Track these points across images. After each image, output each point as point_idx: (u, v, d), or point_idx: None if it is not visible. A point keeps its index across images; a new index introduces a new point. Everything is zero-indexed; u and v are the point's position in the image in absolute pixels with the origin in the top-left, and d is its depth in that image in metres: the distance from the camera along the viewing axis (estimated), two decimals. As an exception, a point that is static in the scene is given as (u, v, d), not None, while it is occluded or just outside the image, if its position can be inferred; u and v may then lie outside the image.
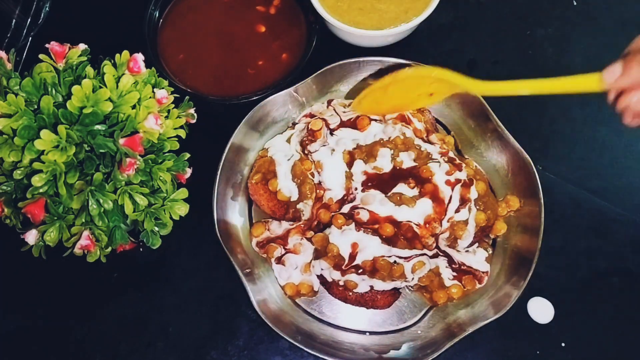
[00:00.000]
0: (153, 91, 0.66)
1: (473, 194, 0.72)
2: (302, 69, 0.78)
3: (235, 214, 0.76)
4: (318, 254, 0.71)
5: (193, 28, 0.83)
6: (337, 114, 0.79)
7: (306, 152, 0.75)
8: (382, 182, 0.72)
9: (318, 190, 0.73)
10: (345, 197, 0.73)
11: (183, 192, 0.67)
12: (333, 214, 0.72)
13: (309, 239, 0.73)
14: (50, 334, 0.73)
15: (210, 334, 0.73)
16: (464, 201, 0.71)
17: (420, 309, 0.73)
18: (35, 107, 0.61)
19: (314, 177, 0.74)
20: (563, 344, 0.72)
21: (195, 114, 0.73)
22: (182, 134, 0.69)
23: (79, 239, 0.62)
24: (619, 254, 0.76)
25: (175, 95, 0.69)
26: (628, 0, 0.90)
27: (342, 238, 0.70)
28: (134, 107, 0.63)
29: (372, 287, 0.70)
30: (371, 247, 0.69)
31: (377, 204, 0.71)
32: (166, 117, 0.67)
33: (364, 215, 0.71)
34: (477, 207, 0.72)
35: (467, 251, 0.73)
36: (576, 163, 0.81)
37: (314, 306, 0.74)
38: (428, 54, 0.87)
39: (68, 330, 0.73)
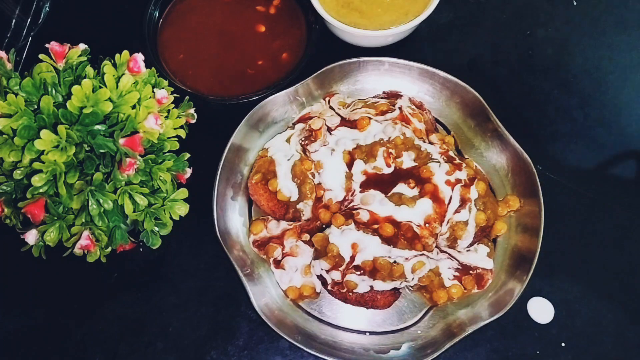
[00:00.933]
0: (153, 91, 0.66)
1: (473, 194, 0.72)
2: (302, 69, 0.78)
3: (235, 214, 0.76)
4: (318, 254, 0.71)
5: (193, 28, 0.83)
6: (337, 113, 0.79)
7: (307, 152, 0.75)
8: (382, 182, 0.72)
9: (318, 191, 0.73)
10: (345, 197, 0.73)
11: (183, 192, 0.67)
12: (333, 213, 0.72)
13: (306, 242, 0.73)
14: (50, 334, 0.73)
15: (210, 334, 0.73)
16: (464, 201, 0.71)
17: (420, 309, 0.73)
18: (35, 107, 0.61)
19: (314, 178, 0.74)
20: (563, 344, 0.72)
21: (195, 114, 0.73)
22: (182, 134, 0.69)
23: (79, 239, 0.62)
24: (619, 254, 0.76)
25: (175, 95, 0.69)
26: (628, 0, 0.90)
27: (342, 238, 0.70)
28: (134, 107, 0.63)
29: (372, 287, 0.70)
30: (371, 247, 0.69)
31: (377, 204, 0.71)
32: (166, 117, 0.67)
33: (364, 216, 0.71)
34: (477, 207, 0.72)
35: (468, 250, 0.73)
36: (576, 163, 0.81)
37: (314, 306, 0.74)
38: (428, 54, 0.87)
39: (68, 330, 0.73)
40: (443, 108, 0.80)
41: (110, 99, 0.61)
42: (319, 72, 0.77)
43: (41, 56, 0.63)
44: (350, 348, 0.70)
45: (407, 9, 0.79)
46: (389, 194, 0.72)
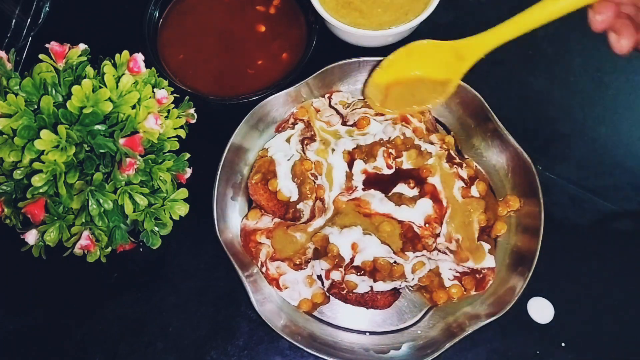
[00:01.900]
0: (153, 91, 0.66)
1: (473, 194, 0.72)
2: (302, 69, 0.78)
3: (235, 214, 0.76)
4: (318, 254, 0.71)
5: (193, 28, 0.83)
6: (337, 112, 0.79)
7: (306, 153, 0.75)
8: (382, 182, 0.72)
9: (318, 191, 0.73)
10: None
11: (183, 192, 0.67)
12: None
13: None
14: (50, 334, 0.73)
15: (210, 334, 0.73)
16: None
17: (420, 309, 0.73)
18: (35, 107, 0.61)
19: (316, 179, 0.74)
20: (563, 344, 0.72)
21: (195, 114, 0.73)
22: (182, 134, 0.69)
23: (79, 239, 0.62)
24: (619, 254, 0.76)
25: (175, 95, 0.69)
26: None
27: (342, 238, 0.70)
28: (134, 107, 0.63)
29: (372, 287, 0.70)
30: (371, 248, 0.69)
31: (377, 203, 0.71)
32: (166, 117, 0.67)
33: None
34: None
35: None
36: (576, 163, 0.81)
37: (314, 306, 0.74)
38: (428, 54, 0.87)
39: (68, 330, 0.73)
40: (443, 108, 0.80)
41: (110, 99, 0.61)
42: (319, 72, 0.77)
43: (41, 56, 0.63)
44: (350, 348, 0.70)
45: (407, 8, 0.79)
46: (389, 194, 0.72)
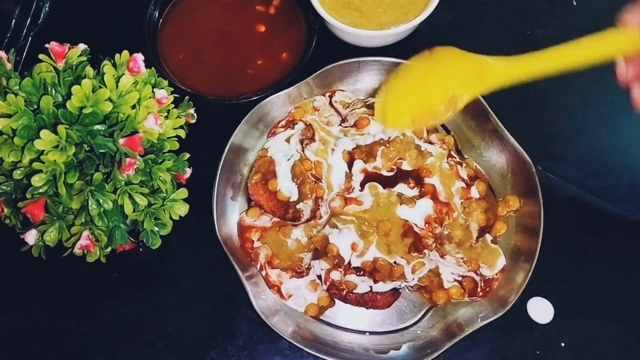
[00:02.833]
0: (153, 91, 0.66)
1: (473, 194, 0.72)
2: (302, 69, 0.78)
3: (235, 214, 0.76)
4: (318, 254, 0.71)
5: (193, 28, 0.83)
6: (337, 112, 0.79)
7: (305, 153, 0.75)
8: (382, 182, 0.72)
9: (318, 191, 0.73)
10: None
11: (183, 192, 0.67)
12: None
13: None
14: (50, 334, 0.73)
15: (210, 334, 0.73)
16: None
17: (420, 309, 0.73)
18: (35, 107, 0.61)
19: (320, 181, 0.74)
20: (563, 344, 0.72)
21: (195, 114, 0.73)
22: (182, 134, 0.69)
23: (78, 239, 0.62)
24: (619, 254, 0.76)
25: (175, 95, 0.69)
26: (628, 1, 0.90)
27: (342, 238, 0.70)
28: (133, 107, 0.63)
29: (371, 287, 0.70)
30: (371, 248, 0.69)
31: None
32: (166, 117, 0.67)
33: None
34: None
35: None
36: (576, 163, 0.80)
37: (314, 306, 0.74)
38: (428, 54, 0.87)
39: (68, 330, 0.73)
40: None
41: (110, 99, 0.61)
42: (319, 72, 0.77)
43: (41, 56, 0.63)
44: (350, 348, 0.70)
45: (407, 8, 0.79)
46: (389, 194, 0.72)
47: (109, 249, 0.66)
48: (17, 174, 0.60)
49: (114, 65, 0.65)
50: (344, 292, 0.71)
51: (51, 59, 0.63)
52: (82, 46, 0.66)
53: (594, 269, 0.75)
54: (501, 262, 0.72)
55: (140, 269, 0.76)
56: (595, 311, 0.73)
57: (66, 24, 0.89)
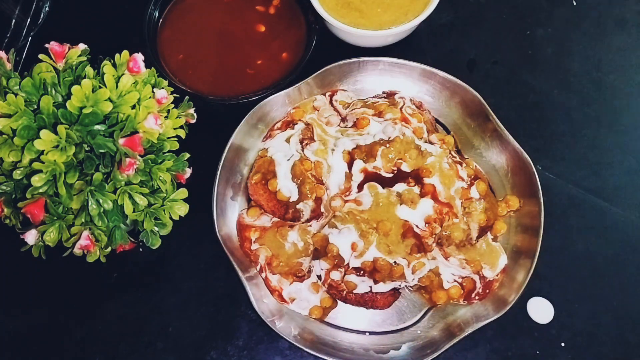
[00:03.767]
0: (153, 91, 0.66)
1: (473, 194, 0.72)
2: (302, 69, 0.78)
3: (235, 214, 0.76)
4: (318, 254, 0.71)
5: (193, 28, 0.83)
6: (337, 111, 0.79)
7: (305, 153, 0.75)
8: (381, 182, 0.72)
9: (318, 190, 0.73)
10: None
11: (183, 192, 0.67)
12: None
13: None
14: (50, 334, 0.73)
15: (210, 334, 0.73)
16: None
17: (420, 309, 0.73)
18: (35, 107, 0.61)
19: (320, 181, 0.74)
20: (563, 344, 0.72)
21: (195, 114, 0.73)
22: (182, 134, 0.69)
23: (78, 239, 0.62)
24: (619, 254, 0.76)
25: (175, 95, 0.69)
26: (628, 1, 0.90)
27: (342, 238, 0.70)
28: (133, 107, 0.63)
29: (371, 287, 0.70)
30: (371, 248, 0.69)
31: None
32: (166, 117, 0.67)
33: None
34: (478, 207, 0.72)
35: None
36: (576, 163, 0.81)
37: (314, 306, 0.74)
38: (428, 54, 0.87)
39: (68, 330, 0.73)
40: (443, 108, 0.80)
41: (110, 99, 0.61)
42: (319, 72, 0.77)
43: (41, 56, 0.63)
44: (350, 348, 0.70)
45: (407, 8, 0.79)
46: (389, 194, 0.72)
47: (109, 249, 0.66)
48: (17, 174, 0.60)
49: (114, 65, 0.65)
50: (344, 292, 0.71)
51: (51, 59, 0.63)
52: (82, 46, 0.66)
53: (594, 269, 0.75)
54: (502, 261, 0.72)
55: (140, 269, 0.76)
56: (595, 311, 0.73)
57: (66, 24, 0.89)
